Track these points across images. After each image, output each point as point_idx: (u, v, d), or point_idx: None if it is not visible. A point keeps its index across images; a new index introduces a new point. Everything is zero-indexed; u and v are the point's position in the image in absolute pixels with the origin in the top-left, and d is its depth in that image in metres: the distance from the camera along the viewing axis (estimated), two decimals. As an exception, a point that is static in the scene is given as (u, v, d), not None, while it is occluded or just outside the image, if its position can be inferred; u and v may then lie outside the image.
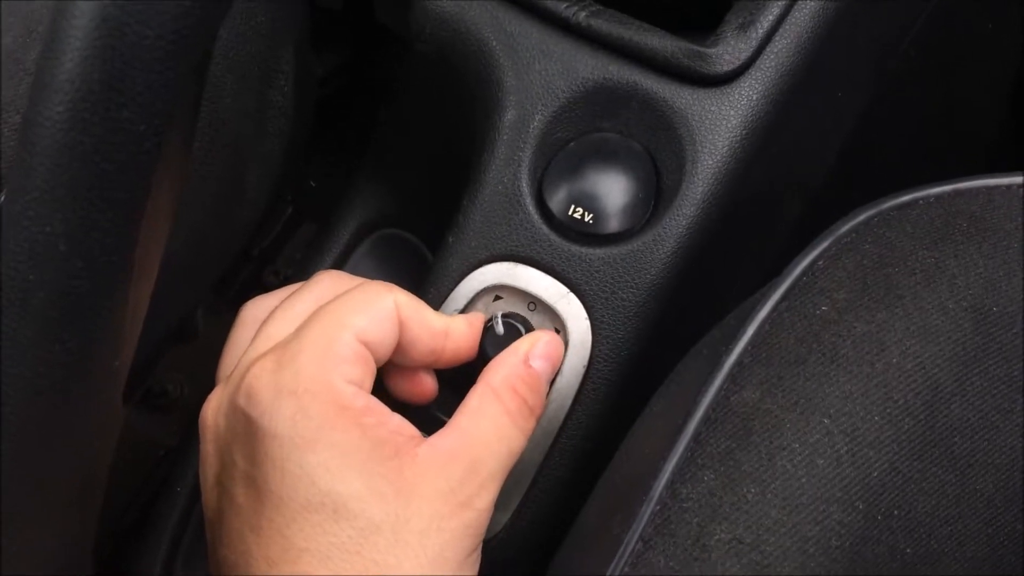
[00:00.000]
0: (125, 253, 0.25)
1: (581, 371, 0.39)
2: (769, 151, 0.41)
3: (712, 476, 0.29)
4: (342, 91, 0.66)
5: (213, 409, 0.34)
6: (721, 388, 0.31)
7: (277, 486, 0.30)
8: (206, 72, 0.27)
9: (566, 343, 0.39)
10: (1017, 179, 0.35)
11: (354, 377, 0.32)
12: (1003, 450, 0.31)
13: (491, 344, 0.38)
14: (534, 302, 0.39)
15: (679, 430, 0.30)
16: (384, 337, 0.33)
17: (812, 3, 0.40)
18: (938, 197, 0.35)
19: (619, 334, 0.39)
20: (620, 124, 0.41)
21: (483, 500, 0.32)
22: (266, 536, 0.30)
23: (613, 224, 0.39)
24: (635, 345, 0.39)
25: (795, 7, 0.40)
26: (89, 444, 0.27)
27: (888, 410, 0.30)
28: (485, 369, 0.35)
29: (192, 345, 0.57)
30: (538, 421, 0.35)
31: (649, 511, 0.29)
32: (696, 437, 0.30)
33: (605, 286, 0.39)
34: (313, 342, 0.32)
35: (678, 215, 0.39)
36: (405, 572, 0.30)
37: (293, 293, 0.36)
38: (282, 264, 0.60)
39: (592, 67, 0.41)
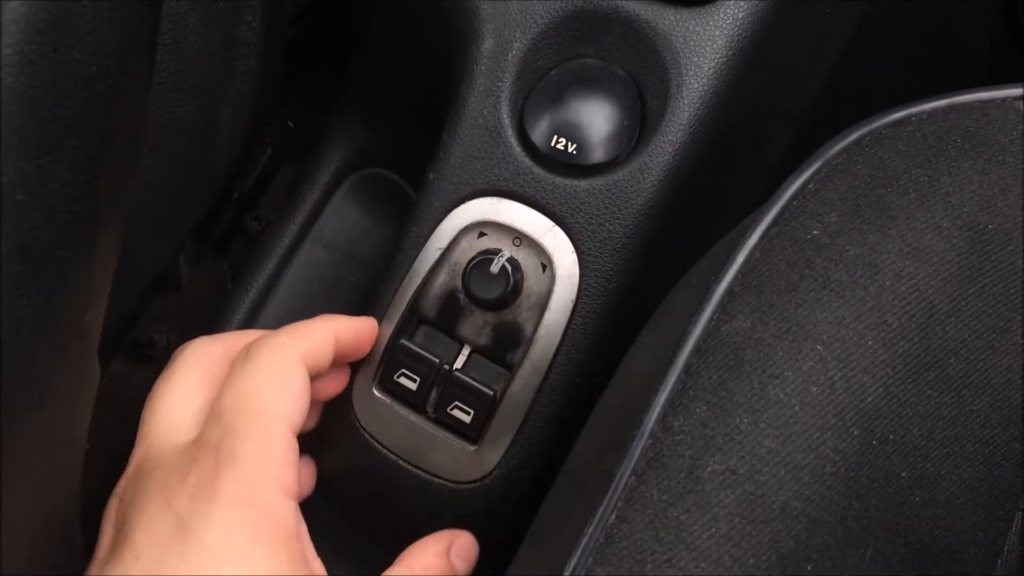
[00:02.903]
0: (86, 202, 0.24)
1: (569, 306, 0.38)
2: (757, 72, 0.39)
3: (704, 408, 0.28)
4: (315, 27, 0.64)
5: (128, 487, 0.34)
6: (712, 318, 0.30)
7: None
8: (160, 5, 0.25)
9: (553, 278, 0.38)
10: (1013, 91, 0.34)
11: (291, 484, 0.32)
12: (999, 370, 0.30)
13: (479, 283, 0.38)
14: (519, 237, 0.38)
15: (669, 362, 0.30)
16: (306, 407, 0.34)
17: (797, -84, 0.39)
18: (931, 113, 0.34)
19: (607, 267, 0.38)
20: (602, 49, 0.39)
21: None
22: None
23: (598, 154, 0.38)
24: (623, 277, 0.38)
25: (780, -80, 0.38)
26: (61, 401, 0.26)
27: (882, 334, 0.29)
28: (407, 552, 0.36)
29: (176, 294, 0.56)
30: None
31: (641, 445, 0.28)
32: (687, 369, 0.29)
33: (591, 218, 0.38)
34: (249, 439, 0.32)
35: (664, 142, 0.38)
36: None
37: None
38: (263, 208, 0.59)
39: (571, -10, 0.39)
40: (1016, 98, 0.34)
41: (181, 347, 0.38)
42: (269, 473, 0.32)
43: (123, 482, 0.35)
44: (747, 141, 0.43)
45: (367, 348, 0.39)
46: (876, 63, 0.57)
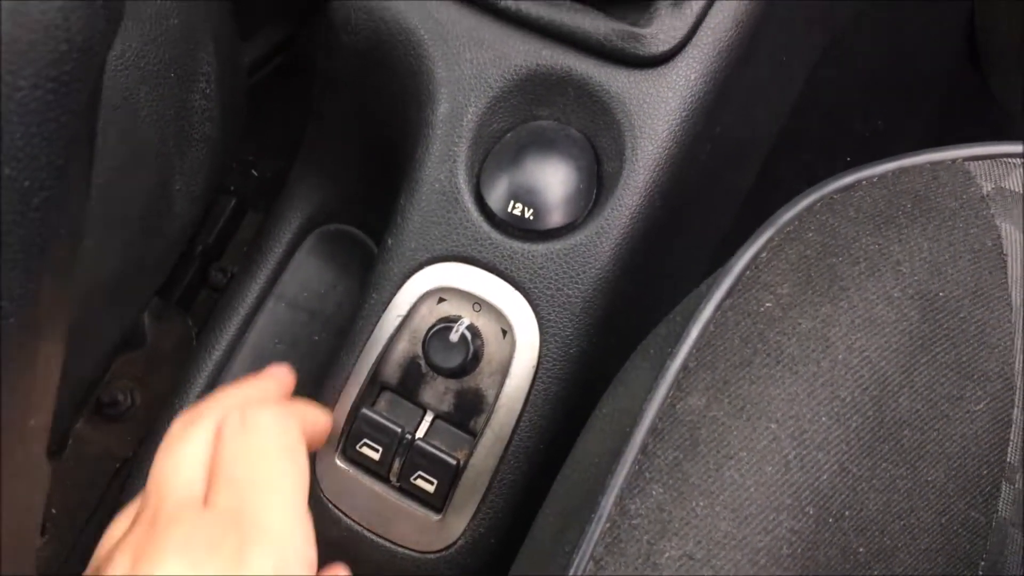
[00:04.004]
0: (26, 314, 0.24)
1: (531, 371, 0.38)
2: (712, 130, 0.39)
3: (661, 490, 0.28)
4: (277, 75, 0.63)
5: (141, 538, 0.32)
6: (667, 395, 0.30)
7: None
8: (97, 107, 0.25)
9: (513, 344, 0.38)
10: (962, 152, 0.34)
11: (314, 560, 0.32)
12: (954, 439, 0.30)
13: (439, 351, 0.38)
14: (479, 303, 0.38)
15: (626, 439, 0.30)
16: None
17: (748, -27, 0.39)
18: (881, 177, 0.34)
19: (567, 331, 0.38)
20: (557, 111, 0.39)
21: None
22: None
23: (555, 218, 0.38)
24: (584, 341, 0.38)
25: (731, -22, 0.38)
26: (7, 505, 0.26)
27: (835, 409, 0.29)
28: None
29: (140, 351, 0.56)
30: None
31: (599, 529, 0.28)
32: (643, 449, 0.29)
33: (550, 283, 0.38)
34: (276, 514, 0.31)
35: (620, 205, 0.38)
36: None
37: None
38: (228, 260, 0.58)
39: (525, 53, 0.39)
40: (965, 159, 0.34)
41: (175, 423, 0.36)
42: (299, 550, 0.31)
43: (136, 530, 0.34)
44: (704, 193, 0.43)
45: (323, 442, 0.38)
46: (836, 99, 0.57)
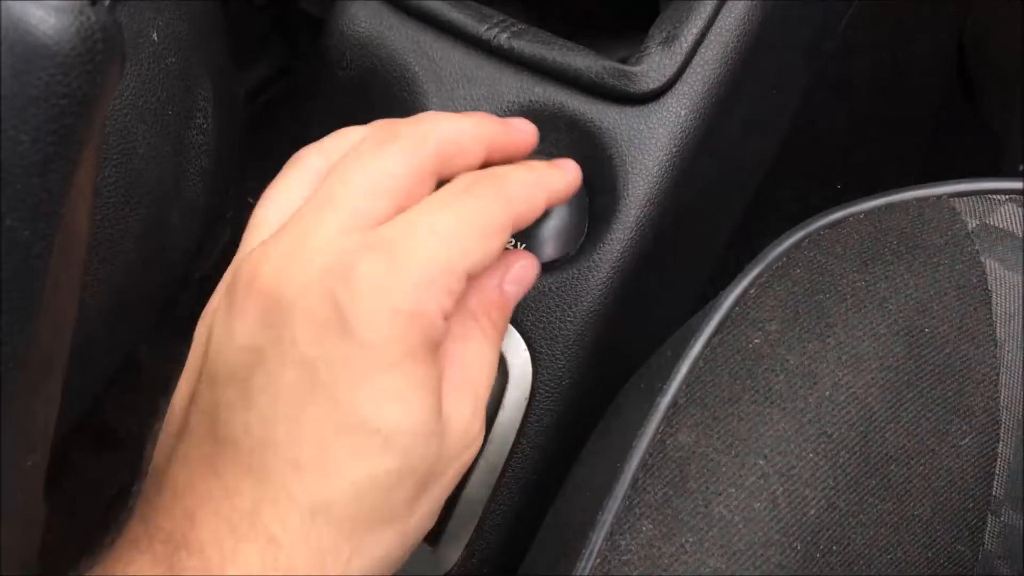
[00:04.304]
0: (25, 358, 0.24)
1: (523, 404, 0.38)
2: (702, 164, 0.40)
3: (650, 526, 0.29)
4: (272, 104, 0.64)
5: (281, 265, 0.29)
6: (657, 431, 0.30)
7: (340, 394, 0.27)
8: (99, 155, 0.26)
9: (506, 376, 0.38)
10: (947, 188, 0.35)
11: (447, 311, 0.29)
12: (940, 473, 0.31)
13: None
14: (473, 335, 0.39)
15: (617, 474, 0.30)
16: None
17: (737, 10, 0.39)
18: (868, 213, 0.34)
19: (559, 364, 0.38)
20: (550, 146, 0.40)
21: (479, 420, 0.31)
22: (304, 433, 0.27)
23: (547, 252, 0.39)
24: (576, 374, 0.38)
25: (719, 16, 0.39)
26: (8, 543, 0.26)
27: (822, 445, 0.29)
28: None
29: (137, 380, 0.56)
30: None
31: (590, 565, 0.29)
32: (634, 484, 0.30)
33: (543, 316, 0.38)
34: (429, 260, 0.28)
35: (612, 239, 0.38)
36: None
37: (379, 150, 0.31)
38: (225, 288, 0.59)
39: (517, 90, 0.40)
40: (951, 195, 0.35)
41: (299, 153, 0.33)
42: (436, 291, 0.28)
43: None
44: (696, 225, 0.43)
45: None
46: (827, 127, 0.58)
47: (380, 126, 0.33)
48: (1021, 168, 0.66)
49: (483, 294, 0.32)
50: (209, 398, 0.30)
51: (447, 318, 0.29)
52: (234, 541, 0.27)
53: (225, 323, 0.30)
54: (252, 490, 0.28)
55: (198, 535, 0.28)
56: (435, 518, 0.31)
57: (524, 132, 0.34)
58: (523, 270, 0.33)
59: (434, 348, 0.29)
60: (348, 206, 0.29)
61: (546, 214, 0.39)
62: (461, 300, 0.30)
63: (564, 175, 0.34)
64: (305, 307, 0.28)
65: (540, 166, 0.34)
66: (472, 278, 0.30)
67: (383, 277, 0.28)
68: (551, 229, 0.39)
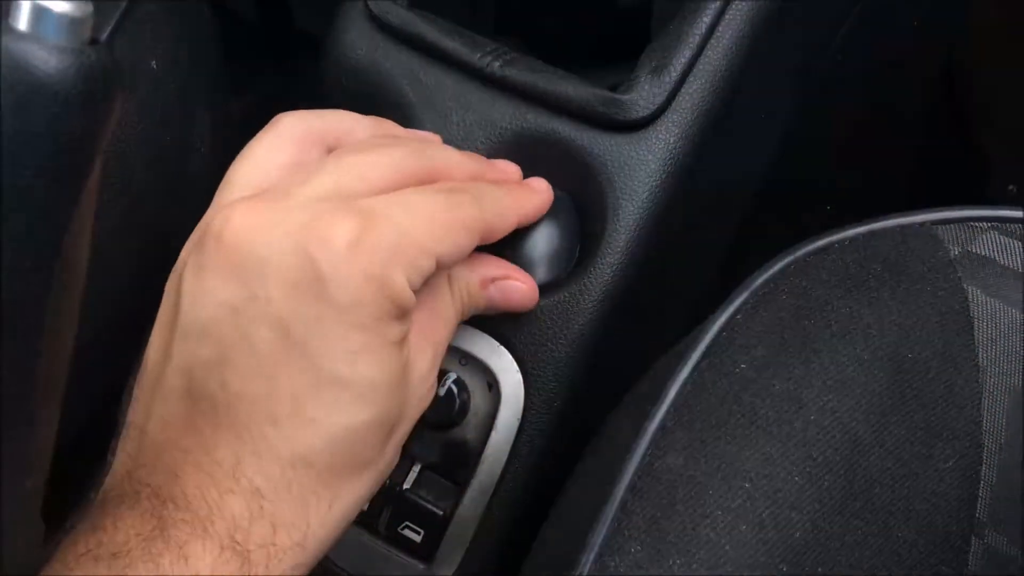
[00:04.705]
0: (25, 384, 0.25)
1: (515, 424, 0.39)
2: (692, 190, 0.41)
3: (639, 548, 0.29)
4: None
5: (256, 221, 0.29)
6: (646, 454, 0.31)
7: (314, 351, 0.28)
8: (95, 187, 0.26)
9: (499, 397, 0.39)
10: (930, 216, 0.35)
11: (415, 285, 0.30)
12: (923, 496, 0.31)
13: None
14: (465, 357, 0.39)
15: (606, 497, 0.31)
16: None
17: (726, 39, 0.40)
18: (853, 239, 0.35)
19: (551, 385, 0.39)
20: (542, 172, 0.41)
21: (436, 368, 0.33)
22: (281, 389, 0.29)
23: (540, 275, 0.39)
24: (567, 395, 0.39)
25: (708, 44, 0.40)
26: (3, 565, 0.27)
27: (808, 469, 0.30)
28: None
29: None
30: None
31: (579, 587, 0.29)
32: (623, 506, 0.30)
33: (534, 338, 0.39)
34: (403, 233, 0.30)
35: (603, 264, 0.39)
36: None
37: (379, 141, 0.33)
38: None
39: (510, 117, 0.40)
40: (933, 223, 0.35)
41: (280, 116, 0.34)
42: (406, 261, 0.30)
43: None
44: (686, 249, 0.44)
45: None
46: (816, 150, 0.58)
47: (384, 128, 0.36)
48: (1010, 188, 0.66)
49: (471, 273, 0.34)
50: (184, 354, 0.30)
51: (416, 291, 0.30)
52: (219, 493, 0.28)
53: (197, 278, 0.30)
54: (231, 445, 0.29)
55: (183, 489, 0.29)
56: (399, 456, 0.33)
57: (507, 173, 0.37)
58: (515, 289, 0.36)
59: (403, 314, 0.30)
60: (332, 179, 0.31)
61: (537, 238, 0.39)
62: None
63: (534, 195, 0.37)
64: (279, 264, 0.29)
65: (513, 186, 0.36)
66: (441, 267, 0.31)
67: (358, 241, 0.29)
68: (542, 253, 0.39)
